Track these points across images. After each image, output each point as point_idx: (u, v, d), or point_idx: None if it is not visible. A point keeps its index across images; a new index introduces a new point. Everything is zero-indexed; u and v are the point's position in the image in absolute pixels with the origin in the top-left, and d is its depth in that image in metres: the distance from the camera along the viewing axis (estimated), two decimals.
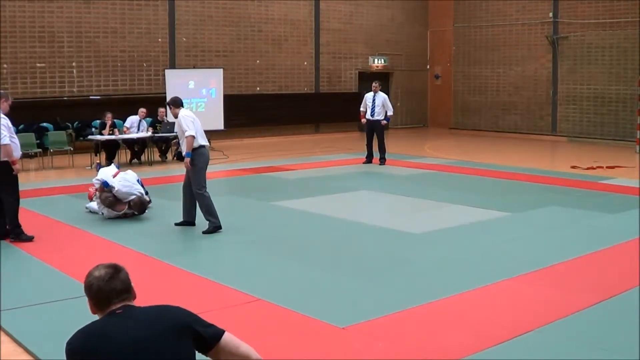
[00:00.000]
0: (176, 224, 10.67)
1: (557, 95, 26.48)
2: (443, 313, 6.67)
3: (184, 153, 10.26)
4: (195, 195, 10.35)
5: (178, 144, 10.79)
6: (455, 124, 30.02)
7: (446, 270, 8.24)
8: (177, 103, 10.63)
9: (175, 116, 10.51)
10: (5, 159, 9.38)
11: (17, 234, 9.64)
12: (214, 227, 10.19)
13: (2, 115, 9.46)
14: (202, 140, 10.34)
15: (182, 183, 10.71)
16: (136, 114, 19.21)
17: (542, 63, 26.95)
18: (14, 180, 9.60)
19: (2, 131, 9.28)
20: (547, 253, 8.89)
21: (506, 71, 28.23)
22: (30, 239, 9.65)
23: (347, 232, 10.37)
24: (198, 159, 10.21)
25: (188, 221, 10.60)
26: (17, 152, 9.65)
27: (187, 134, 10.11)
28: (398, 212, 12.06)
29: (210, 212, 10.24)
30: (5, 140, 9.32)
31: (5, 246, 9.34)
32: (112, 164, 13.01)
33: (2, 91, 10.17)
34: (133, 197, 11.18)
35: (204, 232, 10.21)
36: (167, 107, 10.89)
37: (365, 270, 8.24)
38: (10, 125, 9.59)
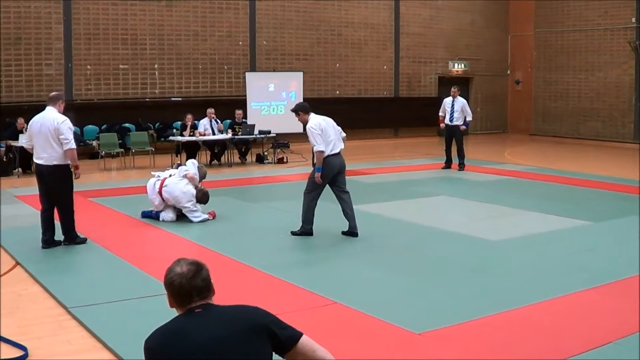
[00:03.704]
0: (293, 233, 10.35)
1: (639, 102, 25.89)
2: (519, 322, 6.53)
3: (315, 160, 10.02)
4: (303, 195, 10.23)
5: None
6: (535, 130, 29.54)
7: (523, 278, 8.08)
8: (306, 109, 10.17)
9: (304, 123, 10.11)
10: (67, 162, 9.24)
11: (72, 238, 9.49)
12: (303, 232, 10.12)
13: (66, 118, 9.25)
14: (330, 150, 9.93)
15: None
16: (205, 117, 19.35)
17: (625, 69, 26.34)
18: (72, 185, 9.47)
19: (68, 135, 9.09)
20: (626, 264, 8.61)
21: (588, 77, 27.68)
22: (84, 241, 9.57)
23: (425, 238, 10.27)
24: (324, 168, 9.91)
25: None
26: None
27: (315, 149, 9.83)
28: (476, 218, 11.90)
29: (306, 217, 10.13)
30: (73, 145, 9.15)
31: (89, 244, 9.49)
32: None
33: (59, 93, 10.06)
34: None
35: (292, 233, 10.20)
36: (295, 114, 10.25)
37: (442, 277, 8.14)
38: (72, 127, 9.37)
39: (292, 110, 10.35)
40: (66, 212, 9.39)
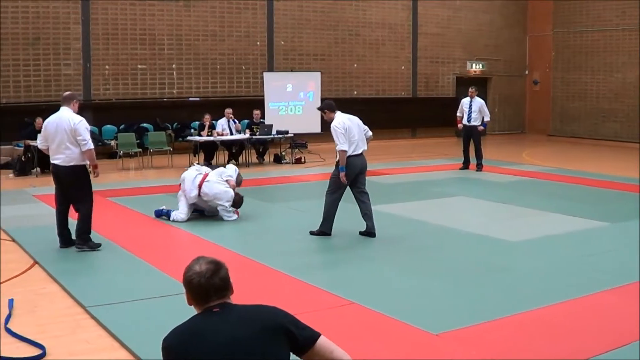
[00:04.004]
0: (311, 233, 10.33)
1: None
2: (537, 323, 6.47)
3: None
4: (325, 195, 10.16)
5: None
6: (554, 131, 29.41)
7: (541, 279, 8.02)
8: (332, 107, 10.09)
9: (330, 121, 10.00)
10: (84, 162, 9.17)
11: (85, 240, 9.29)
12: (322, 231, 10.09)
13: (82, 118, 9.14)
14: (352, 151, 9.86)
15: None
16: (223, 117, 19.37)
17: None
18: (90, 185, 9.36)
19: (85, 136, 8.99)
20: None
21: (606, 77, 27.52)
22: (97, 246, 9.32)
23: (443, 238, 10.24)
24: (346, 168, 9.85)
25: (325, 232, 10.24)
26: None
27: (338, 148, 9.74)
28: (495, 219, 11.85)
29: (326, 217, 10.07)
30: (91, 145, 9.05)
31: (106, 244, 9.47)
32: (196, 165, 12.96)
33: (72, 92, 9.94)
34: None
35: (311, 232, 10.18)
36: (321, 112, 10.33)
37: (459, 277, 8.11)
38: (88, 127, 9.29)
39: (319, 109, 10.39)
40: (84, 213, 9.26)
